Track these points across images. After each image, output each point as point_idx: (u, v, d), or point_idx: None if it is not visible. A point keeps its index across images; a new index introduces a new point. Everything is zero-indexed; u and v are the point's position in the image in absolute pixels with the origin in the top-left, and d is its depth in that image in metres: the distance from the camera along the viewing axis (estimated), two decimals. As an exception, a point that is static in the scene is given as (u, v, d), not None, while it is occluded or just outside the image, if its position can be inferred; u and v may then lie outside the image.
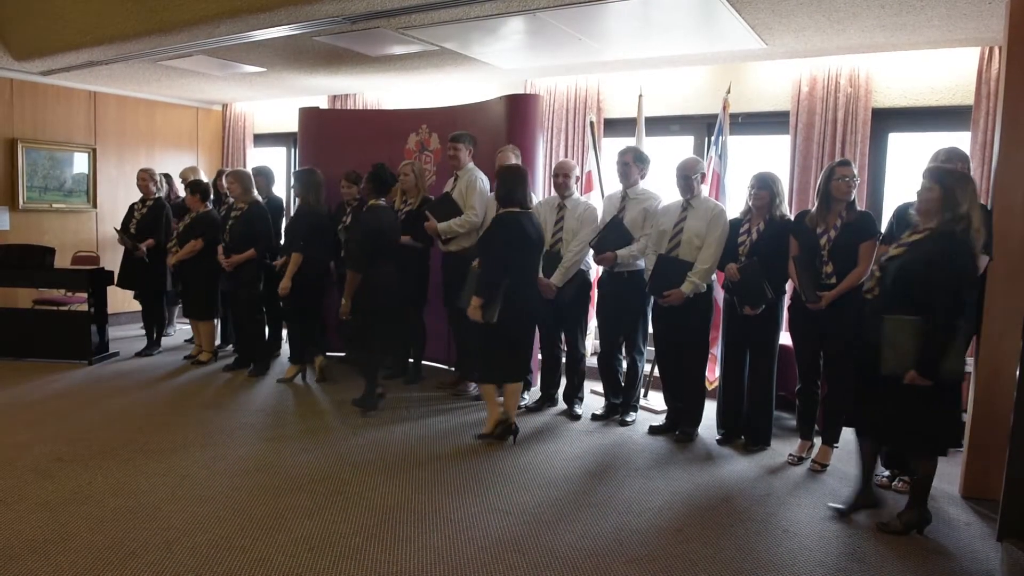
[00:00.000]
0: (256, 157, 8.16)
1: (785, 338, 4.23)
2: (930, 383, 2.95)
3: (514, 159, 4.82)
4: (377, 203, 4.72)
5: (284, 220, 5.94)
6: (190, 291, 5.83)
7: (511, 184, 4.06)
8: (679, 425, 4.41)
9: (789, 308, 4.07)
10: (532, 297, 4.20)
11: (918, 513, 3.18)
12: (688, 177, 4.20)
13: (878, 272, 3.20)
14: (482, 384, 4.29)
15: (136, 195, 6.26)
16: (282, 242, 5.53)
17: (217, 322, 6.34)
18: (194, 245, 5.65)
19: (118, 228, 6.21)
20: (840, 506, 3.37)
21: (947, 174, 3.05)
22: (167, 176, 6.70)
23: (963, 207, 2.96)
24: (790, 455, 4.08)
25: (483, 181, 5.03)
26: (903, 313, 2.98)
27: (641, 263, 4.46)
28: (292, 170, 7.58)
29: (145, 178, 6.11)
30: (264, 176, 5.85)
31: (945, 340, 2.92)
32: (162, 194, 6.28)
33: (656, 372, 4.84)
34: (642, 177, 4.55)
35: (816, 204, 3.86)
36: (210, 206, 5.88)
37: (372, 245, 4.58)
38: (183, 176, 6.38)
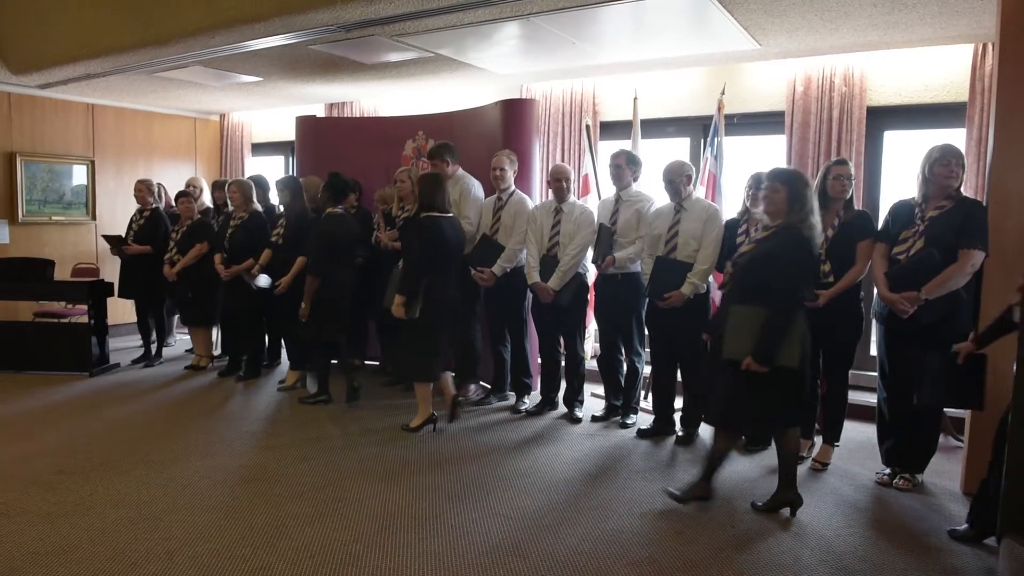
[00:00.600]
0: (254, 166, 8.19)
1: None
2: (766, 370, 3.08)
3: (508, 164, 4.84)
4: (334, 211, 4.87)
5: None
6: (189, 298, 5.84)
7: (430, 191, 4.32)
8: (684, 426, 4.41)
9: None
10: (452, 296, 4.40)
11: (786, 494, 3.31)
12: (673, 181, 4.21)
13: (731, 268, 3.34)
14: (419, 384, 4.44)
15: (135, 207, 6.29)
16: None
17: (216, 332, 6.36)
18: (200, 249, 5.68)
19: (104, 235, 6.26)
20: (676, 491, 3.42)
21: (792, 176, 3.23)
22: (163, 186, 6.73)
23: (808, 206, 3.15)
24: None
25: (476, 188, 5.05)
26: (748, 305, 3.14)
27: (637, 266, 4.47)
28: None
29: (142, 189, 6.14)
30: (261, 186, 5.87)
31: (781, 330, 3.07)
32: (160, 205, 6.32)
33: (656, 374, 4.84)
34: (635, 179, 4.56)
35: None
36: (198, 215, 5.93)
37: (329, 251, 4.77)
38: (193, 185, 6.42)
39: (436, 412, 4.49)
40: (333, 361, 5.25)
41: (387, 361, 5.87)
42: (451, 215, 4.45)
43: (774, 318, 3.07)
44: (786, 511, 3.34)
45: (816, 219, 3.21)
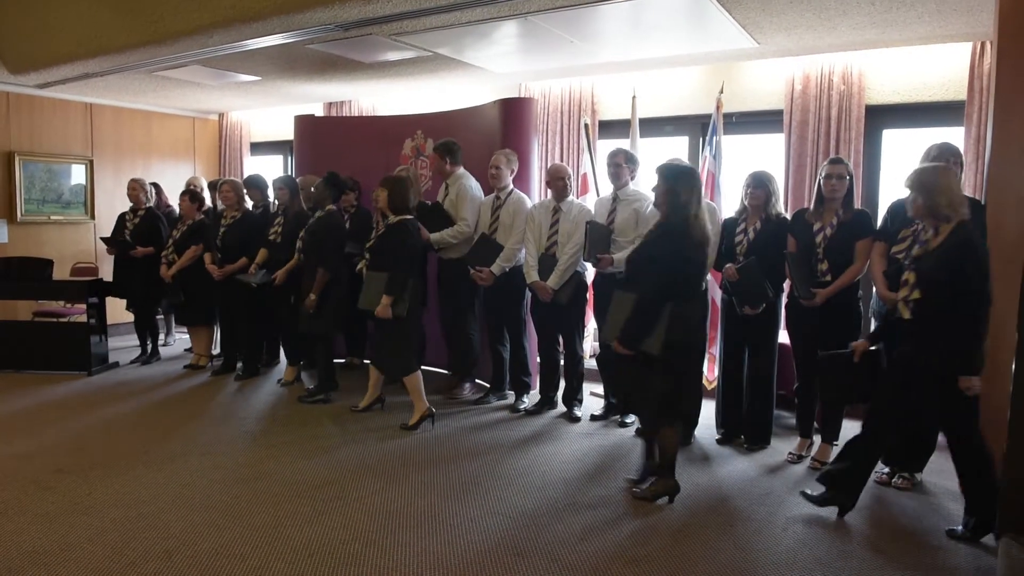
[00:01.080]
0: (253, 165, 8.18)
1: (784, 336, 4.23)
2: (630, 353, 3.31)
3: (505, 163, 4.84)
4: (331, 208, 5.03)
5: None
6: (188, 297, 5.85)
7: (404, 193, 4.43)
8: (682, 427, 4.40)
9: (786, 306, 4.08)
10: (420, 292, 4.61)
11: (664, 484, 3.45)
12: None
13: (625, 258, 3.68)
14: (409, 377, 4.50)
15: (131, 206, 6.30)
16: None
17: (217, 331, 6.36)
18: (194, 251, 5.68)
19: (104, 237, 6.25)
20: (639, 491, 3.52)
21: (670, 171, 3.36)
22: (156, 185, 6.73)
23: (682, 199, 3.28)
24: (790, 453, 4.08)
25: (474, 189, 5.05)
26: (627, 292, 3.38)
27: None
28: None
29: (136, 188, 6.15)
30: (259, 187, 5.80)
31: (644, 317, 3.26)
32: (152, 203, 6.33)
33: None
34: (632, 178, 4.57)
35: (813, 201, 3.89)
36: (200, 215, 5.94)
37: (340, 248, 4.96)
38: (194, 184, 6.42)
39: (433, 408, 4.52)
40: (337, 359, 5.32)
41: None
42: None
43: (639, 306, 3.27)
44: (665, 499, 3.45)
45: (701, 215, 3.32)
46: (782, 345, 4.24)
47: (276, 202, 5.62)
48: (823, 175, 3.77)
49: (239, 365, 5.85)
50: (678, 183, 3.28)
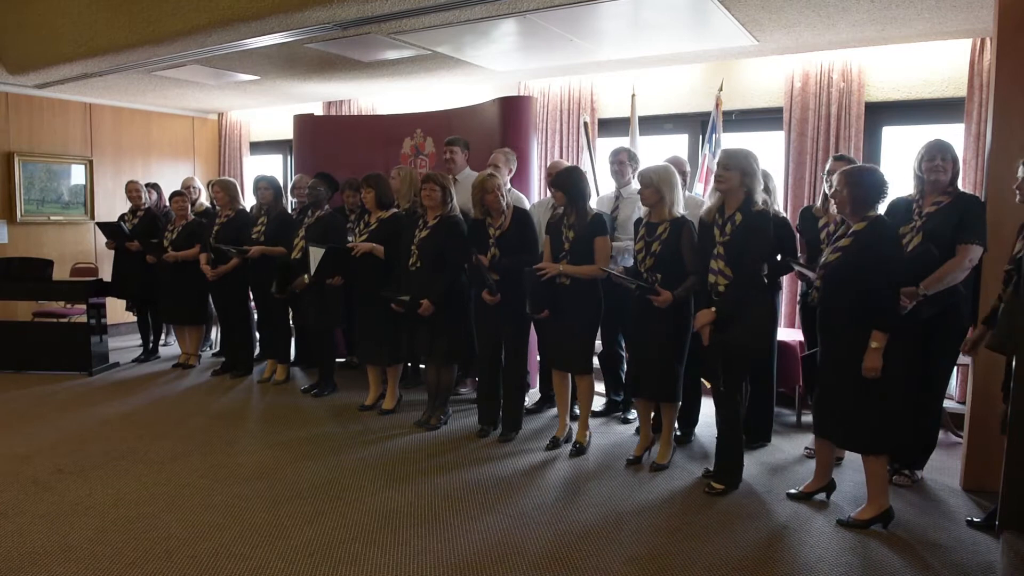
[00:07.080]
0: (253, 165, 8.18)
1: (784, 335, 4.23)
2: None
3: (503, 162, 4.83)
4: (330, 209, 5.27)
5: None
6: (177, 296, 5.84)
7: (388, 189, 4.79)
8: (681, 425, 4.39)
9: (800, 307, 4.07)
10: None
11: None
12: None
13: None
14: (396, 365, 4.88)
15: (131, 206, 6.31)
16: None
17: (216, 330, 6.36)
18: (196, 252, 5.68)
19: (99, 223, 6.26)
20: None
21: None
22: (155, 186, 6.74)
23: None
24: (806, 448, 4.07)
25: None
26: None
27: (630, 261, 4.46)
28: (291, 177, 7.58)
29: (136, 189, 6.17)
30: (274, 190, 5.53)
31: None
32: (151, 204, 6.34)
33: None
34: (635, 176, 4.56)
35: (820, 198, 3.91)
36: (192, 215, 5.95)
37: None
38: (189, 185, 6.42)
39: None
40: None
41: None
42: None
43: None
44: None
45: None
46: (782, 343, 4.23)
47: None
48: (825, 171, 3.78)
49: (236, 363, 5.84)
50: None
